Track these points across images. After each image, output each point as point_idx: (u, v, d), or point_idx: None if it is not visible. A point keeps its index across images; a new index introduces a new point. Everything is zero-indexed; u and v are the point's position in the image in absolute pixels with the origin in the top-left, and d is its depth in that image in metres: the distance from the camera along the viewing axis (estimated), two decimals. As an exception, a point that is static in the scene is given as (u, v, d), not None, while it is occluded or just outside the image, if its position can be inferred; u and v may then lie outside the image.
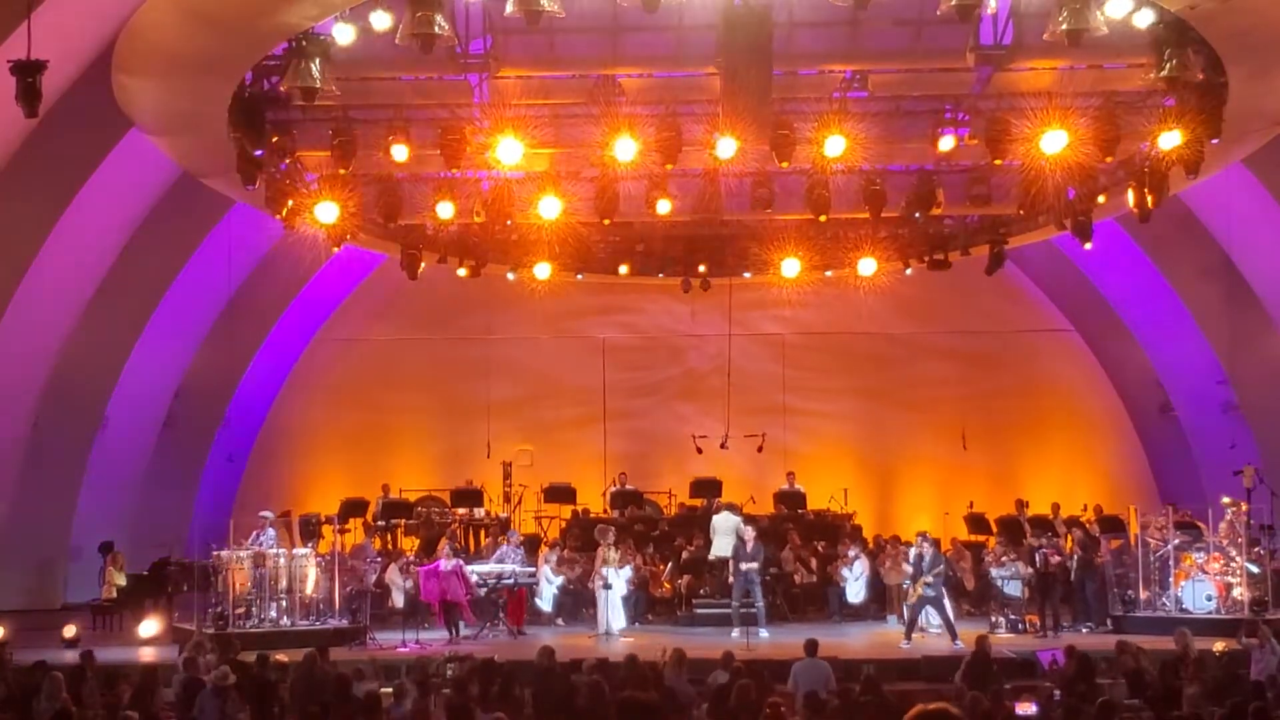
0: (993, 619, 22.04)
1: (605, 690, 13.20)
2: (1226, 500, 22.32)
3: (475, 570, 22.58)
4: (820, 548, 25.01)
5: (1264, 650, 16.08)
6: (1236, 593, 21.21)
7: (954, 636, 20.33)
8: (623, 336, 31.16)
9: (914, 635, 20.78)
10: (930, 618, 21.36)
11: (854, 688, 14.16)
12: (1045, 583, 21.97)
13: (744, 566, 21.90)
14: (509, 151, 18.67)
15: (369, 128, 18.94)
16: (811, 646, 16.09)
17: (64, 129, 19.16)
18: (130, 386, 26.01)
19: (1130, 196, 20.67)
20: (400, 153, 18.75)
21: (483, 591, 22.55)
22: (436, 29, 15.01)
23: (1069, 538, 23.20)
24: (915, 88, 19.43)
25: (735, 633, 21.05)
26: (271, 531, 21.94)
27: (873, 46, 18.75)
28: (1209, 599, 21.25)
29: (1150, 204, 20.23)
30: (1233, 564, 21.40)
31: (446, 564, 21.61)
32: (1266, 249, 24.12)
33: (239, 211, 23.35)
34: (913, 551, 21.54)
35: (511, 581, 22.21)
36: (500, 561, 22.57)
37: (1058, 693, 14.81)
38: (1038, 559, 21.96)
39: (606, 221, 21.82)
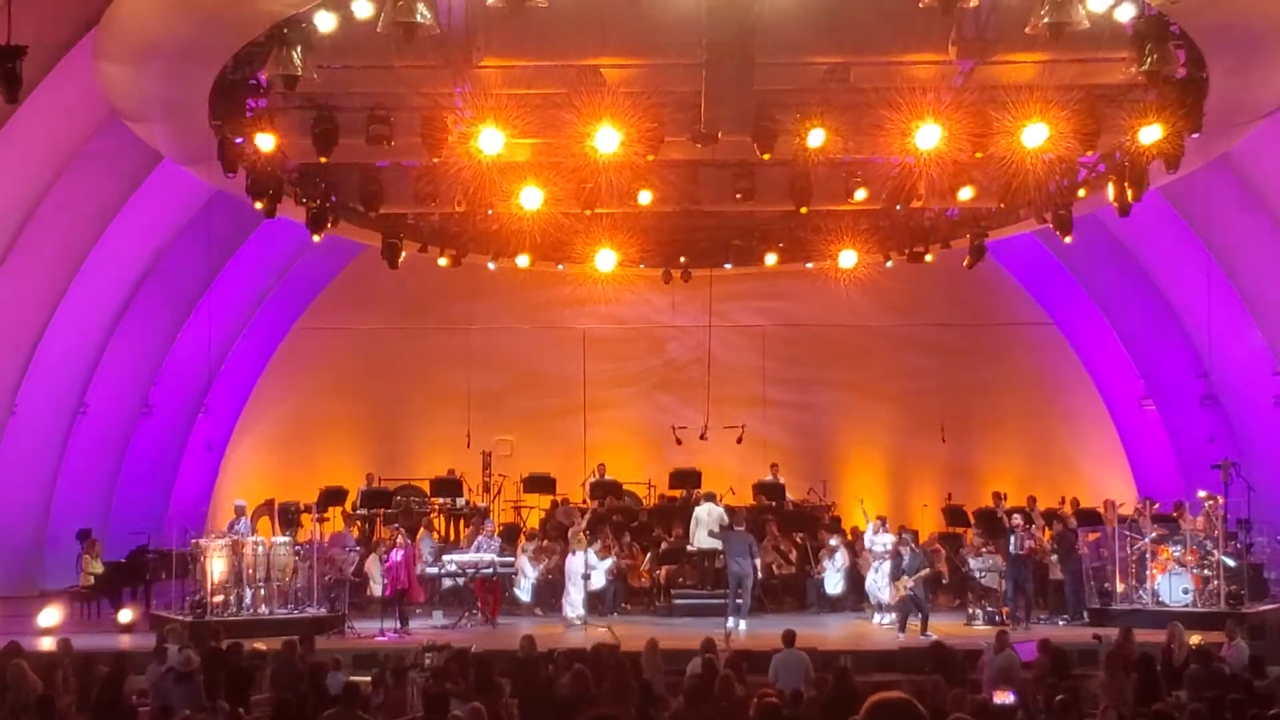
0: (970, 611, 22.13)
1: (588, 681, 13.23)
2: (1204, 494, 22.43)
3: (455, 560, 22.60)
4: (799, 539, 25.05)
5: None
6: (1213, 586, 21.32)
7: (924, 628, 20.47)
8: (603, 327, 31.09)
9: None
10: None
11: (827, 678, 14.21)
12: (1019, 568, 21.99)
13: (740, 560, 21.96)
14: (490, 141, 18.62)
15: (350, 116, 18.85)
16: (789, 637, 16.12)
17: (44, 114, 19.06)
18: (110, 373, 25.92)
19: (1110, 190, 20.73)
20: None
21: (459, 581, 22.55)
22: (419, 17, 14.93)
23: (1046, 531, 23.26)
24: (897, 80, 19.41)
25: (733, 623, 21.20)
26: (246, 520, 21.89)
27: (855, 39, 18.72)
28: (1186, 592, 21.34)
29: (1130, 198, 20.28)
30: (1210, 557, 21.51)
31: (397, 554, 21.63)
32: (1244, 243, 24.19)
33: (219, 199, 23.27)
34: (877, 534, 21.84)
35: (490, 572, 22.22)
36: (477, 551, 22.59)
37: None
38: (1014, 541, 21.98)
39: (588, 212, 21.82)
